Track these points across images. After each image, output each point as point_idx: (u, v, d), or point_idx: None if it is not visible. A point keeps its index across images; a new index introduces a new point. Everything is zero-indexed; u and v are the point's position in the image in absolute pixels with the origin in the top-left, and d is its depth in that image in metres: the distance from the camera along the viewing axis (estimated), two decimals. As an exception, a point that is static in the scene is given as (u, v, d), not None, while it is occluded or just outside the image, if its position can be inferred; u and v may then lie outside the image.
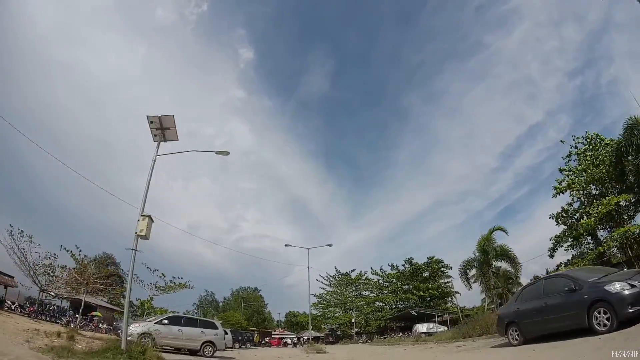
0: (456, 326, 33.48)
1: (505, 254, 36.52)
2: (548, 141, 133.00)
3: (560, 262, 29.07)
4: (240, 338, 41.13)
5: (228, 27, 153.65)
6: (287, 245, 46.00)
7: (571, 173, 26.87)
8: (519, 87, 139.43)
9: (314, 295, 76.99)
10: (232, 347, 36.88)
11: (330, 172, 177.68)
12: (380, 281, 71.12)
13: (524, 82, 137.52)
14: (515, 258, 36.90)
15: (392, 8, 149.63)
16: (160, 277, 39.43)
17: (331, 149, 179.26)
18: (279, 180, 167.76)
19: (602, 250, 23.13)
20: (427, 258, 65.35)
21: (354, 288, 75.49)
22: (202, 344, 19.87)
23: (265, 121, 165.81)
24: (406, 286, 65.37)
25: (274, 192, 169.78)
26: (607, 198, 23.27)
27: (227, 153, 16.67)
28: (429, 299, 61.70)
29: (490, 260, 36.92)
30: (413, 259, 65.91)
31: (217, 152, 16.75)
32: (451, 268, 63.90)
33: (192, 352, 19.75)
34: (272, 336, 67.43)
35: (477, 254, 38.08)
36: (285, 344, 62.49)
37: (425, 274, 65.05)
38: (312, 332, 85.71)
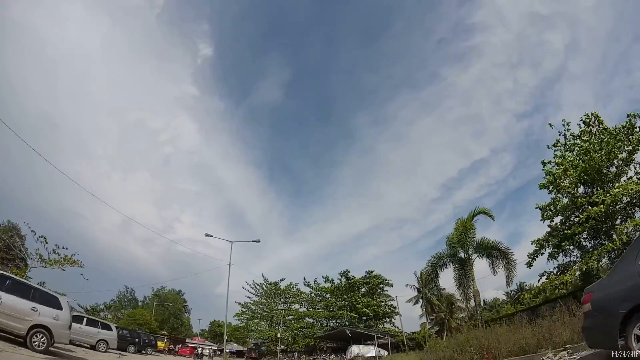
0: (422, 349, 25.61)
1: (492, 248, 27.15)
2: (490, 177, 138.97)
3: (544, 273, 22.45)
4: (137, 340, 31.98)
5: (193, 19, 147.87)
6: (207, 235, 38.03)
7: (563, 159, 21.03)
8: (467, 122, 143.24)
9: (239, 304, 68.38)
10: (119, 349, 28.28)
11: (271, 182, 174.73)
12: (313, 294, 63.50)
13: (474, 119, 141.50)
14: (507, 253, 26.76)
15: (357, 27, 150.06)
16: (42, 242, 29.39)
17: (275, 159, 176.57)
18: (220, 185, 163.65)
19: (613, 248, 17.21)
20: (366, 272, 58.64)
21: (282, 300, 67.60)
22: (31, 328, 11.51)
23: (215, 122, 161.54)
24: (341, 302, 57.94)
25: (213, 196, 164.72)
26: (621, 181, 18.34)
27: None
28: (365, 318, 54.83)
29: (470, 255, 28.21)
30: (349, 272, 58.88)
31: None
32: (392, 285, 58.01)
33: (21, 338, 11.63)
34: (186, 344, 57.26)
35: (450, 249, 29.31)
36: (200, 356, 53.06)
37: (363, 290, 58.20)
38: (236, 345, 76.66)
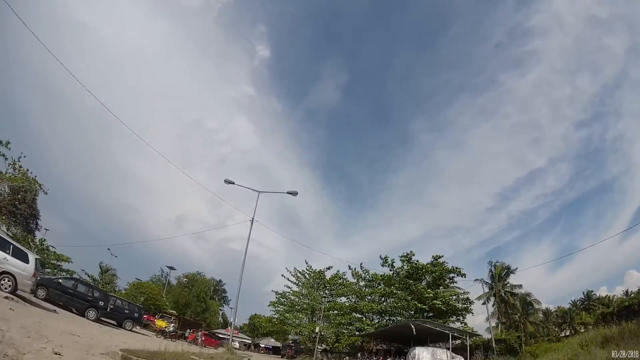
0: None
1: None
2: (546, 188, 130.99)
3: None
4: (102, 304, 21.41)
5: (250, 21, 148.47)
6: (228, 182, 27.02)
7: None
8: (525, 130, 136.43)
9: (275, 293, 57.13)
10: (77, 310, 18.61)
11: (326, 185, 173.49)
12: (362, 283, 50.47)
13: (531, 126, 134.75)
14: None
15: (412, 31, 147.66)
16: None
17: (330, 162, 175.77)
18: (274, 185, 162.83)
19: None
20: (433, 257, 44.31)
21: (327, 292, 55.75)
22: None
23: (271, 123, 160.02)
24: (400, 292, 43.88)
25: (266, 197, 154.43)
26: None
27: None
28: (431, 314, 41.25)
29: None
30: (414, 254, 44.70)
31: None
32: (464, 275, 43.87)
33: None
34: (198, 330, 44.73)
35: None
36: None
37: (425, 281, 44.58)
38: (273, 340, 65.47)
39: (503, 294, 47.85)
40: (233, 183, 27.11)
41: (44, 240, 36.71)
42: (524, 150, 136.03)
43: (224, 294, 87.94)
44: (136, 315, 24.77)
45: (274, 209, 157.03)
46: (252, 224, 26.02)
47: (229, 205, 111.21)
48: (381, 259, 45.77)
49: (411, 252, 43.26)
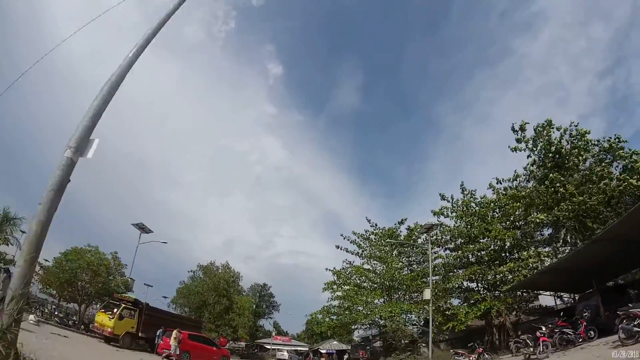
0: None
1: None
2: None
3: None
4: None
5: (256, 43, 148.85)
6: None
7: None
8: (549, 91, 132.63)
9: (331, 271, 37.54)
10: None
11: (363, 186, 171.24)
12: (472, 219, 29.10)
13: (555, 86, 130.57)
14: None
15: (417, 18, 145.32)
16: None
17: (364, 162, 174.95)
18: (312, 196, 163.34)
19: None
20: (577, 132, 23.27)
21: (403, 258, 37.04)
22: None
23: (297, 136, 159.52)
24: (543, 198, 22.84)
25: (308, 207, 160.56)
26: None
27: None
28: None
29: None
30: (554, 127, 23.50)
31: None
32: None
33: None
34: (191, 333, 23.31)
35: None
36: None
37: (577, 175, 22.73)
38: (335, 342, 46.56)
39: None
40: None
41: None
42: (553, 112, 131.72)
43: (271, 298, 73.92)
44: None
45: (319, 217, 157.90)
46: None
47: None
48: (515, 131, 24.27)
49: (549, 120, 22.62)
